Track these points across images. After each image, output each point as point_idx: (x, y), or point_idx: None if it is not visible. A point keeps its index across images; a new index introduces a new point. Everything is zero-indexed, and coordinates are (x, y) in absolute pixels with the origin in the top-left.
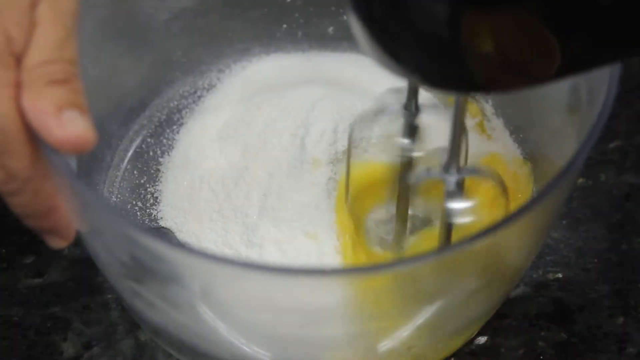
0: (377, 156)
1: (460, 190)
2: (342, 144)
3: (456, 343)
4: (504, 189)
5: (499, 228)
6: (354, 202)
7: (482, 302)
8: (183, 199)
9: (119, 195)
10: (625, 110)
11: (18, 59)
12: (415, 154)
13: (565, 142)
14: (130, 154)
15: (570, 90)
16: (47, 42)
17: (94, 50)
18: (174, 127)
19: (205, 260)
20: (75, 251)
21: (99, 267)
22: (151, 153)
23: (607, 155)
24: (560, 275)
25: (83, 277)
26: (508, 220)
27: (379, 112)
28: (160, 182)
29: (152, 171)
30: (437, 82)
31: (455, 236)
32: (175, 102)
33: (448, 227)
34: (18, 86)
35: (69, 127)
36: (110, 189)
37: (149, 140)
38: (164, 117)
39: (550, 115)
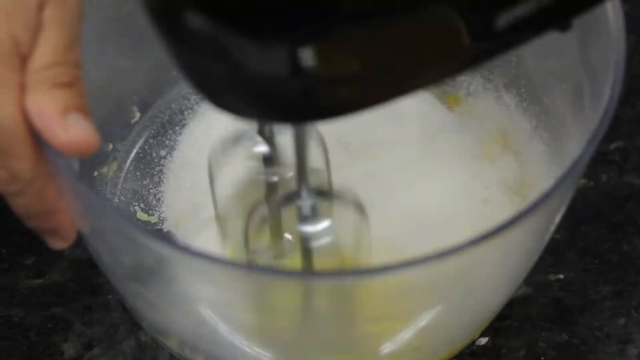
0: (242, 181)
1: (313, 214)
2: (345, 145)
3: (457, 346)
4: (362, 211)
5: (501, 230)
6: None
7: (483, 306)
8: (185, 200)
9: (121, 197)
10: (627, 111)
11: (24, 61)
12: (276, 178)
13: (568, 144)
14: (132, 155)
15: (572, 92)
16: (52, 45)
17: (96, 52)
18: (176, 128)
19: (206, 262)
20: (76, 252)
21: (100, 267)
22: (153, 154)
23: (608, 156)
24: (561, 275)
25: (84, 277)
26: (510, 222)
27: (236, 139)
28: (163, 183)
29: (154, 172)
30: (284, 118)
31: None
32: (178, 103)
33: (307, 252)
34: (23, 88)
35: (73, 129)
36: (113, 191)
37: (151, 141)
38: (166, 118)
39: (553, 117)
